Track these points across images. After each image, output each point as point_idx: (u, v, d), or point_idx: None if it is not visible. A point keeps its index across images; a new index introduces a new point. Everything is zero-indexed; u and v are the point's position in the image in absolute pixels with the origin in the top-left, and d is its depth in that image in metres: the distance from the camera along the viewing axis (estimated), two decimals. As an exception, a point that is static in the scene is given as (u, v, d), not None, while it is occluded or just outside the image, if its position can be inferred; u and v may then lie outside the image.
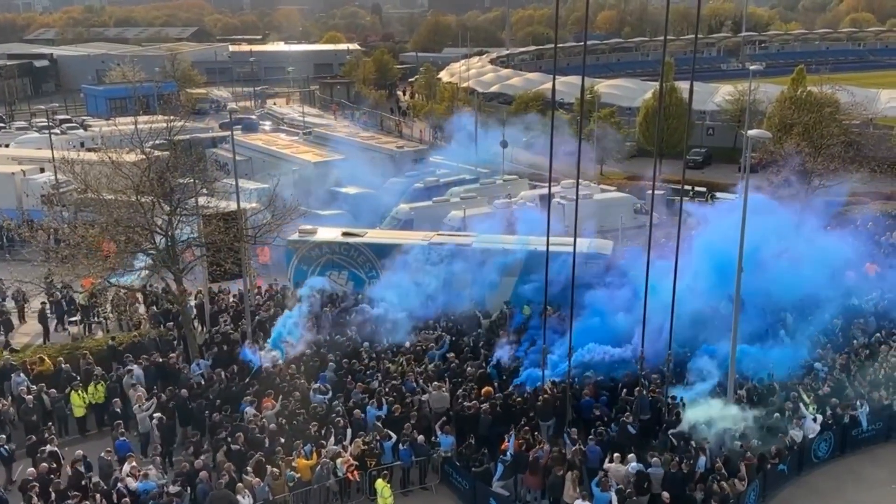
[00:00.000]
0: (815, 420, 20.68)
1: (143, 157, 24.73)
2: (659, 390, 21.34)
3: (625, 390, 21.65)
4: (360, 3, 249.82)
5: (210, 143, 55.32)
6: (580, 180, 20.19)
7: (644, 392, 21.16)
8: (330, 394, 21.99)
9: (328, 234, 30.09)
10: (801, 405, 20.95)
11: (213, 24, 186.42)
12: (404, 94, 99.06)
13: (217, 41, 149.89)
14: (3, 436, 20.18)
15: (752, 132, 20.23)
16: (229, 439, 19.78)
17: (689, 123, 19.64)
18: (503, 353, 23.59)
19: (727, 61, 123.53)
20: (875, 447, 21.67)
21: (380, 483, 18.68)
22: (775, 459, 19.78)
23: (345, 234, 29.90)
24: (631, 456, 18.97)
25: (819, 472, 20.81)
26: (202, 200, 25.70)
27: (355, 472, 19.36)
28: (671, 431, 20.00)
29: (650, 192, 21.87)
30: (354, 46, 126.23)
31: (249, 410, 21.17)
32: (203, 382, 22.88)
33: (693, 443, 19.49)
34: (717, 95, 65.14)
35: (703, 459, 19.16)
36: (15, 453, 20.10)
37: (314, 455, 19.60)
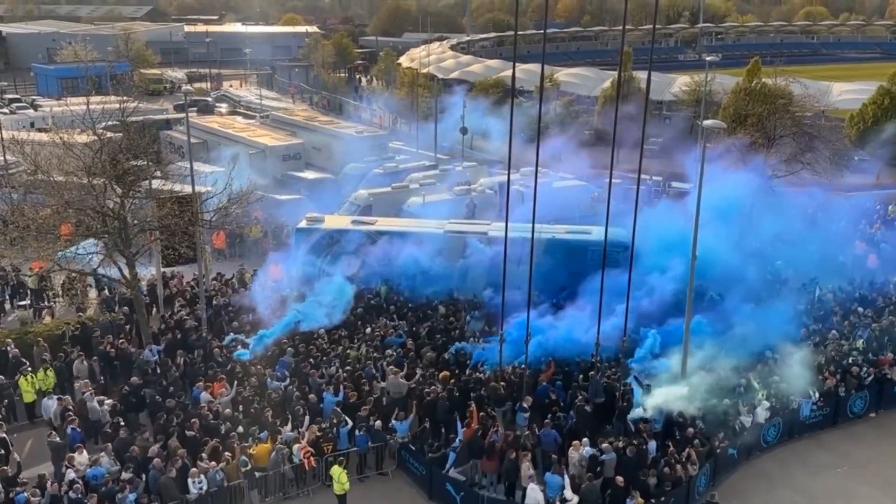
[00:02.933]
0: (764, 406, 21.14)
1: (96, 138, 24.15)
2: (614, 375, 21.64)
3: (581, 375, 21.93)
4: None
5: (165, 124, 54.26)
6: (538, 168, 20.27)
7: (598, 376, 21.43)
8: (287, 380, 21.87)
9: (337, 221, 29.61)
10: (753, 391, 21.41)
11: (168, 3, 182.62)
12: (364, 80, 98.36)
13: (172, 21, 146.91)
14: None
15: (707, 122, 20.51)
16: (185, 425, 19.56)
17: (646, 112, 19.89)
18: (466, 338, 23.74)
19: (684, 52, 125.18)
20: (821, 433, 22.28)
21: (336, 469, 18.65)
22: (725, 443, 20.22)
23: (354, 222, 29.44)
24: (585, 440, 19.24)
25: (768, 457, 21.35)
26: (156, 184, 25.24)
27: (311, 459, 19.29)
28: (626, 417, 20.28)
29: (607, 180, 22.07)
30: (313, 29, 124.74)
31: (204, 396, 20.95)
32: (156, 368, 22.56)
33: (645, 427, 19.83)
34: (675, 86, 66.01)
35: (653, 444, 19.54)
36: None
37: (269, 441, 19.48)
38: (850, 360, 23.35)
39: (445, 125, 51.70)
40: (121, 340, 23.76)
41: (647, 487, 18.23)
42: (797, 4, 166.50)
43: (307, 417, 20.32)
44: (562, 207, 32.49)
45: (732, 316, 23.03)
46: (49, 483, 17.39)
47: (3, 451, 18.81)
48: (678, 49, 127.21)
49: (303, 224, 29.35)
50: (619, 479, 18.14)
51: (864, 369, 23.06)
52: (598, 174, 37.75)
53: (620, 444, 19.14)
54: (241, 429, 19.80)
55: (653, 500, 17.96)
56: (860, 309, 26.44)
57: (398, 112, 68.73)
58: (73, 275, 25.59)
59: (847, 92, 65.93)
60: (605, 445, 19.07)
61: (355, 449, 20.17)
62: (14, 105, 64.62)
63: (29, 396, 21.81)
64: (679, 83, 64.49)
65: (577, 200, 35.62)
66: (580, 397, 20.81)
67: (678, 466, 18.79)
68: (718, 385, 20.66)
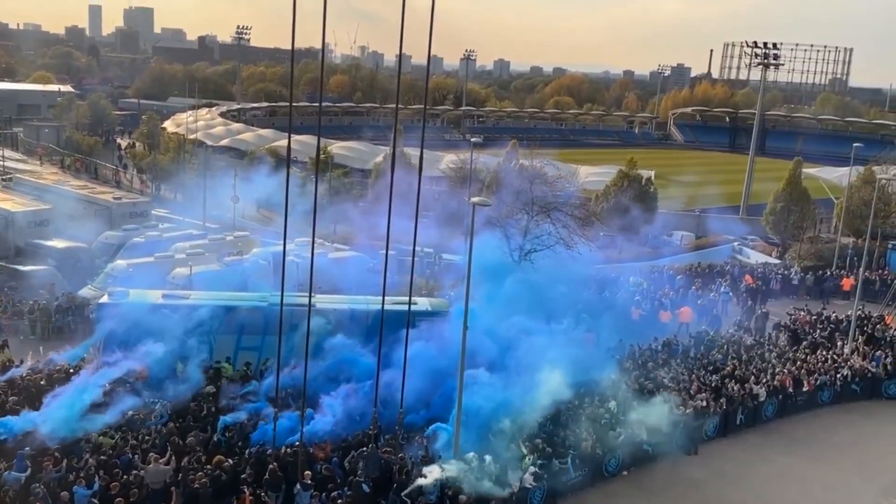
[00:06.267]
0: (529, 471, 21.89)
1: None
2: (390, 449, 21.49)
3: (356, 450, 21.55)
4: (75, 44, 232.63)
5: None
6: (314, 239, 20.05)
7: (374, 449, 21.16)
8: (28, 472, 19.27)
9: (144, 296, 26.41)
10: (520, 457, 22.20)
11: None
12: (124, 144, 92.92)
13: None
14: None
15: (475, 199, 21.56)
16: None
17: (419, 188, 20.52)
18: (234, 416, 22.45)
19: (449, 132, 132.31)
20: (582, 492, 23.50)
21: None
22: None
23: (166, 296, 26.62)
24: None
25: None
26: None
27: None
28: (403, 492, 20.12)
29: (383, 251, 22.35)
30: (67, 88, 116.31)
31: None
32: None
33: (421, 501, 19.78)
34: (442, 163, 69.35)
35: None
36: None
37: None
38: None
39: (215, 193, 50.06)
40: None
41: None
42: (547, 94, 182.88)
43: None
44: (337, 278, 32.45)
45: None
46: None
47: None
48: (444, 129, 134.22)
49: (105, 299, 26.42)
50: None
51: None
52: (372, 245, 38.33)
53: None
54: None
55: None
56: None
57: (162, 178, 65.55)
58: None
59: (593, 174, 73.11)
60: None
61: (110, 548, 18.14)
62: None
63: None
64: (446, 160, 67.94)
65: (352, 271, 35.72)
66: (358, 472, 20.39)
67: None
68: (490, 456, 21.14)
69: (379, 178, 58.31)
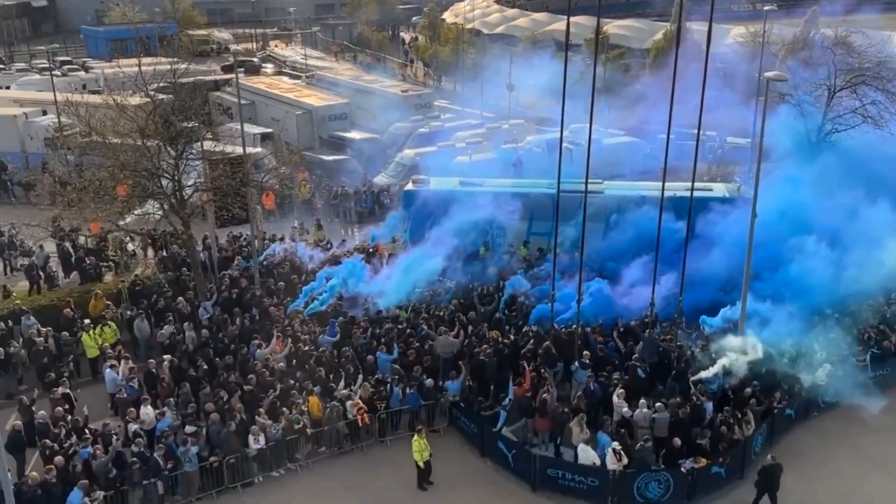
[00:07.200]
0: (824, 367, 20.65)
1: (148, 100, 24.34)
2: (670, 335, 21.39)
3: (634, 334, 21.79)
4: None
5: (213, 86, 54.55)
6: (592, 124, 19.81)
7: (653, 336, 21.22)
8: (338, 337, 22.10)
9: (444, 183, 28.33)
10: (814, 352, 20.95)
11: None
12: (408, 39, 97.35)
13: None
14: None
15: (768, 74, 19.84)
16: (241, 381, 19.98)
17: (706, 67, 19.18)
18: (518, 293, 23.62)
19: (738, 2, 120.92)
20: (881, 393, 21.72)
21: (417, 442, 18.42)
22: (782, 404, 19.93)
23: (463, 183, 28.12)
24: (642, 402, 19.11)
25: (826, 417, 21.01)
26: (207, 145, 25.43)
27: (365, 415, 19.55)
28: (682, 379, 20.08)
29: (662, 136, 21.55)
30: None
31: (259, 353, 21.33)
32: (210, 325, 22.98)
33: (700, 389, 19.62)
34: (729, 36, 63.93)
35: (709, 405, 19.35)
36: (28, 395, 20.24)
37: (321, 398, 19.78)
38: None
39: (492, 82, 50.99)
40: (179, 299, 24.21)
41: (701, 448, 18.13)
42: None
43: (360, 376, 20.59)
44: (613, 164, 32.00)
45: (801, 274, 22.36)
46: (114, 437, 17.96)
47: (68, 405, 19.44)
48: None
49: (409, 187, 28.60)
50: (676, 440, 18.06)
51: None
52: (647, 130, 37.03)
53: (674, 404, 19.02)
54: (293, 382, 20.16)
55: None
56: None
57: (443, 70, 67.98)
58: (128, 236, 26.07)
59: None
60: (658, 405, 18.96)
61: (407, 407, 20.40)
62: (65, 67, 65.44)
63: (92, 352, 22.44)
64: (734, 33, 62.49)
65: (628, 157, 34.98)
66: (634, 356, 20.67)
67: (735, 427, 18.62)
68: (777, 345, 20.23)
69: (658, 58, 55.55)
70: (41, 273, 27.20)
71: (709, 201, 24.76)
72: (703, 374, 19.71)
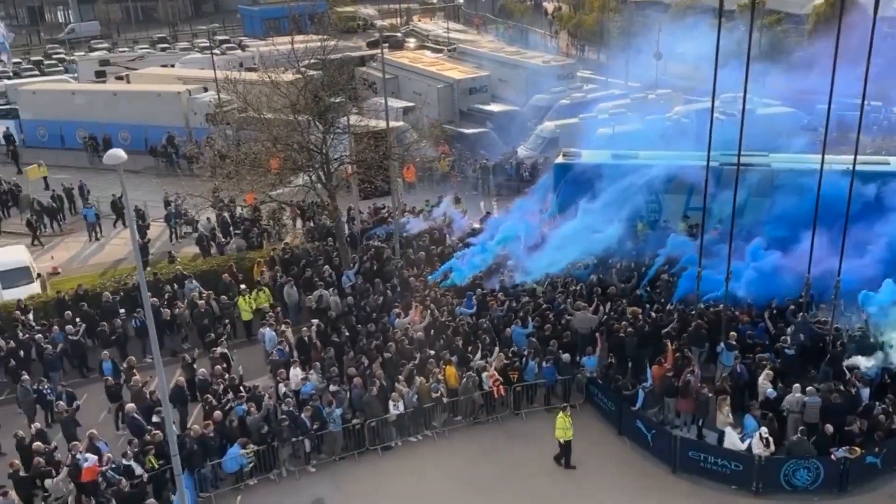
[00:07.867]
0: None
1: (300, 76, 25.36)
2: (825, 319, 20.21)
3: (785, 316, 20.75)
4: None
5: (359, 61, 55.99)
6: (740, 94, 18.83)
7: (805, 318, 20.12)
8: (475, 309, 22.38)
9: (596, 156, 27.93)
10: None
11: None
12: (551, 8, 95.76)
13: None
14: (44, 378, 20.78)
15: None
16: (382, 348, 20.69)
17: (873, 33, 17.73)
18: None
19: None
20: None
21: (560, 419, 18.37)
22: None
23: (615, 156, 27.60)
24: (796, 386, 18.21)
25: None
26: (353, 119, 26.23)
27: (501, 387, 19.74)
28: (836, 364, 18.98)
29: (821, 106, 20.23)
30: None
31: (399, 322, 21.96)
32: (353, 293, 23.83)
33: (857, 374, 18.48)
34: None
35: (866, 392, 18.20)
36: (193, 353, 21.85)
37: (457, 368, 20.14)
38: None
39: (638, 51, 49.36)
40: (325, 268, 25.26)
41: (854, 436, 17.14)
42: None
43: (496, 348, 20.78)
44: (766, 135, 30.25)
45: None
46: (266, 396, 19.15)
47: (225, 364, 20.86)
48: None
49: (560, 160, 28.23)
50: (829, 426, 17.15)
51: None
52: (805, 100, 34.72)
53: (826, 389, 18.04)
54: (431, 352, 20.64)
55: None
56: None
57: (586, 39, 66.49)
58: (281, 206, 27.44)
59: None
60: (809, 389, 18.04)
61: (543, 381, 20.43)
62: (224, 46, 69.09)
63: (247, 315, 23.92)
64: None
65: (783, 128, 32.99)
66: (784, 339, 19.70)
67: (894, 415, 17.45)
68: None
69: (818, 24, 51.81)
70: (212, 242, 29.25)
71: (887, 176, 22.82)
72: (861, 360, 18.51)
